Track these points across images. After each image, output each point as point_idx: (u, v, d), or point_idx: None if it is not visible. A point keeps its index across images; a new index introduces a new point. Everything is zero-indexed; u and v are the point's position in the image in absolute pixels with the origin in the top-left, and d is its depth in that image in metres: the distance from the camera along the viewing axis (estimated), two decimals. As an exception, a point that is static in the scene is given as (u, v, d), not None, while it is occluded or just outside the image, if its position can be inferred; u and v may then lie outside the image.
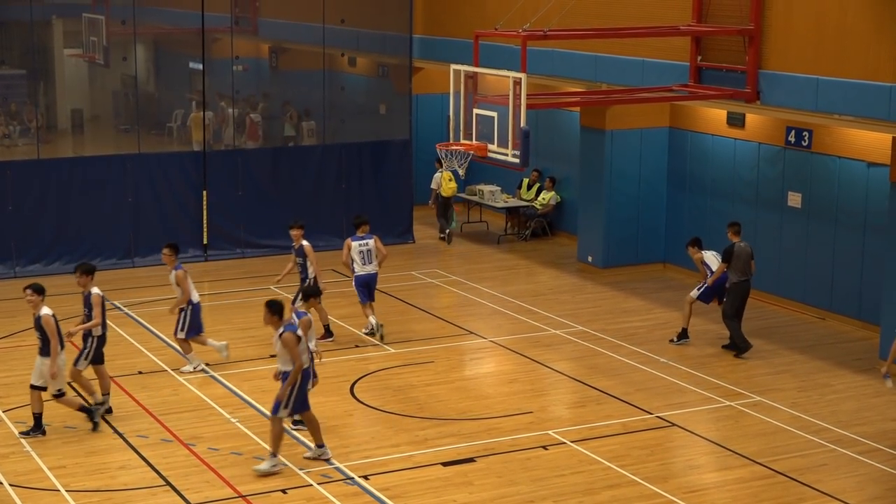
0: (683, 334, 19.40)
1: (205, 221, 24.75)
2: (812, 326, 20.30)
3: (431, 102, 28.74)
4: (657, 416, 16.29)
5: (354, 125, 27.58)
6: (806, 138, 20.89)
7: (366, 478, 14.22)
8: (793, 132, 21.11)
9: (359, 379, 17.67)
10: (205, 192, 24.73)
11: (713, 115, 22.70)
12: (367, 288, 19.53)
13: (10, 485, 13.88)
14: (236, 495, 13.71)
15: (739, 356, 18.69)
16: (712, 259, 19.23)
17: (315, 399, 16.74)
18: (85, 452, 14.91)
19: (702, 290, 19.27)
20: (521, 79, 17.64)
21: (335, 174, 25.99)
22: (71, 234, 23.80)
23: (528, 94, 17.82)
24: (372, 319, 19.52)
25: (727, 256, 18.73)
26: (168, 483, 14.02)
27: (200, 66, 25.93)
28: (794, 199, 21.25)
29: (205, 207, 24.72)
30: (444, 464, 14.67)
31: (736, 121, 22.20)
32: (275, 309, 14.21)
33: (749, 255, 18.84)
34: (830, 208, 20.61)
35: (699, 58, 20.55)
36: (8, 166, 23.85)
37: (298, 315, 14.97)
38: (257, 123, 27.57)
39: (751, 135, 22.05)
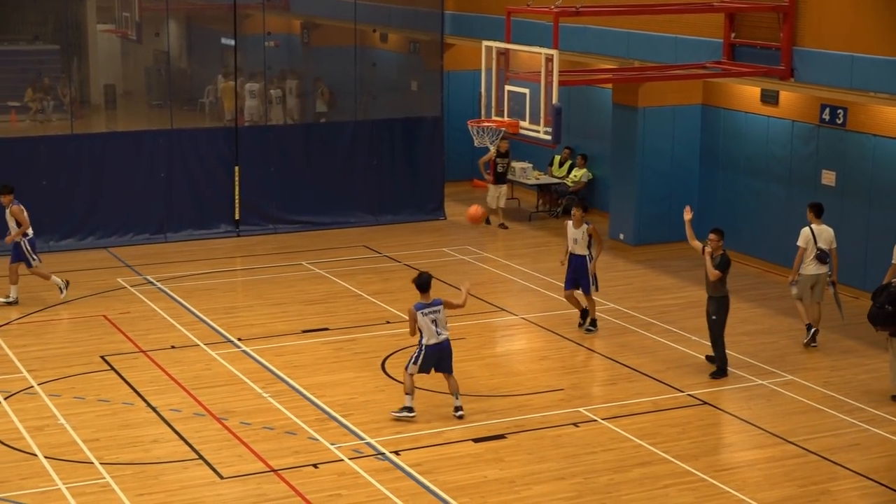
0: (590, 320, 18.90)
1: (237, 197, 24.80)
2: (845, 306, 20.16)
3: (463, 79, 28.67)
4: (688, 395, 16.26)
5: (386, 102, 27.56)
6: (840, 116, 20.74)
7: (397, 453, 14.26)
8: (827, 110, 20.96)
9: (390, 355, 17.71)
10: (237, 168, 24.78)
11: (746, 93, 22.56)
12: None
13: (46, 457, 14.00)
14: (268, 469, 13.77)
15: (717, 377, 16.94)
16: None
17: (346, 375, 16.85)
18: (118, 426, 15.01)
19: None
20: (553, 55, 17.59)
21: (367, 151, 25.98)
22: (104, 209, 23.89)
23: (560, 71, 17.77)
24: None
25: (725, 265, 16.72)
26: (200, 457, 14.10)
27: (232, 42, 25.95)
28: (828, 178, 21.12)
29: (237, 183, 24.77)
30: (475, 440, 14.70)
31: (770, 98, 22.06)
32: None
33: None
34: (864, 187, 20.47)
35: (733, 34, 20.43)
36: (42, 141, 23.96)
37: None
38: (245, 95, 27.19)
39: (784, 112, 21.91)
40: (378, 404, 15.76)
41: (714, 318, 16.87)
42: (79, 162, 23.77)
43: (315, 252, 23.56)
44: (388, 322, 19.25)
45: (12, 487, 13.25)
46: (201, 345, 18.09)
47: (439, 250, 23.81)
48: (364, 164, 25.97)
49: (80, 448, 14.28)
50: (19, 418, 15.16)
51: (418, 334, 15.14)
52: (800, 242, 18.00)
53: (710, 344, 17.11)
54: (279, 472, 13.74)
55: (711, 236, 16.88)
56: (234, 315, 19.61)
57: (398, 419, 15.16)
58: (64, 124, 25.72)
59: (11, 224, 19.88)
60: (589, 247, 18.69)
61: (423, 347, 15.10)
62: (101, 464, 13.88)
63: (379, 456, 14.20)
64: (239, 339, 18.30)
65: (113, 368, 17.04)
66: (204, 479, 13.55)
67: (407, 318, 15.52)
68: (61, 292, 20.12)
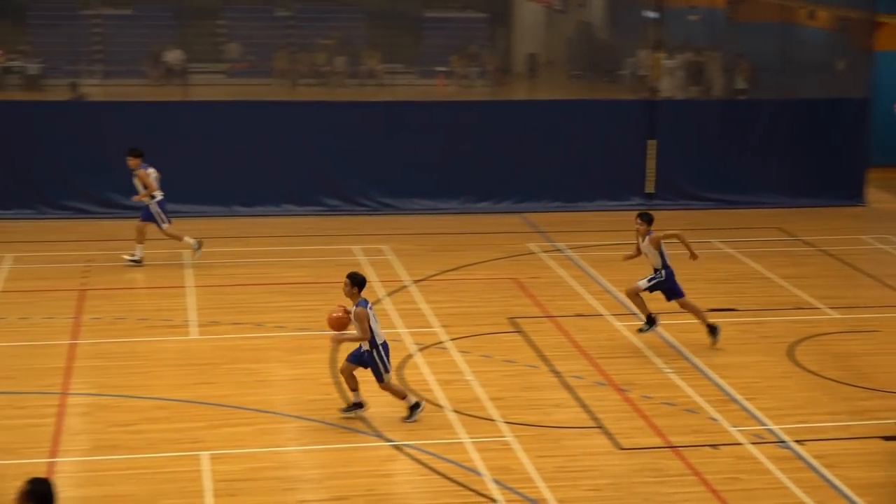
0: (650, 320, 16.81)
1: (650, 170, 24.76)
2: None
3: (895, 60, 27.33)
4: None
5: (809, 81, 26.70)
6: None
7: (800, 443, 13.83)
8: None
9: (798, 342, 17.18)
10: (652, 142, 24.71)
11: None
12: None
13: (453, 410, 14.54)
14: (666, 445, 13.69)
15: None
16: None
17: (752, 358, 16.48)
18: (522, 387, 15.36)
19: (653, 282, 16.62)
20: None
21: (786, 130, 25.26)
22: (522, 174, 24.41)
23: None
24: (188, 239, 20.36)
25: None
26: (600, 425, 14.20)
27: (654, 15, 25.87)
28: None
29: (651, 157, 24.71)
30: (885, 438, 14.03)
31: None
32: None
33: None
34: None
35: None
36: (467, 106, 24.80)
37: None
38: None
39: None
40: (783, 391, 15.32)
41: None
42: (498, 127, 24.45)
43: (726, 231, 23.19)
44: (798, 308, 18.66)
45: (420, 436, 13.83)
46: (607, 315, 18.20)
47: (856, 237, 22.84)
48: (782, 145, 25.25)
49: (484, 405, 14.72)
50: (430, 371, 15.82)
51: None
52: None
53: None
54: (677, 448, 13.63)
55: None
56: (640, 288, 19.60)
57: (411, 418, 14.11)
58: (486, 91, 26.54)
59: (140, 187, 20.15)
60: (662, 257, 16.67)
61: (383, 346, 13.81)
62: (503, 422, 14.24)
63: (781, 444, 13.82)
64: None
65: (520, 331, 17.44)
66: (602, 448, 13.64)
67: (356, 321, 13.57)
68: (196, 252, 20.23)
